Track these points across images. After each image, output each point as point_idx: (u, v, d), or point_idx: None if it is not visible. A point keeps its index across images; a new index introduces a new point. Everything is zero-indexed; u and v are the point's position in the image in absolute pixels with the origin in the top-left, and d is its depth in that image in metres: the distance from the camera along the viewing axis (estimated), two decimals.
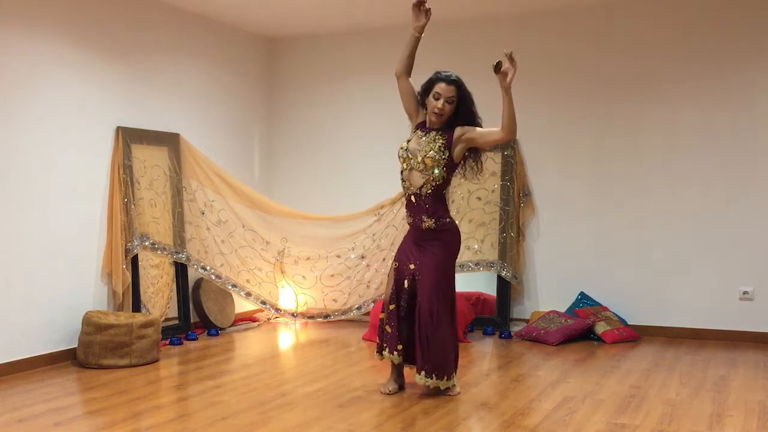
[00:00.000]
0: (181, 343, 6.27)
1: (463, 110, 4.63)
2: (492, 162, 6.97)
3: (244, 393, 4.73)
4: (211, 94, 7.20)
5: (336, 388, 4.85)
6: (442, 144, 4.58)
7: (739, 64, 6.38)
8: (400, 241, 4.89)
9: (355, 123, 7.60)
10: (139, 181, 6.15)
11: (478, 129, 4.62)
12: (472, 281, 7.19)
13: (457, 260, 6.87)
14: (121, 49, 6.15)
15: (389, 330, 4.69)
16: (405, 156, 4.63)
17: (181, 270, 6.65)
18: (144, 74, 6.40)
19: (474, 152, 4.73)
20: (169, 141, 6.53)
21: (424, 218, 4.62)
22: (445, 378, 4.59)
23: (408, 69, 4.69)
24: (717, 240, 6.46)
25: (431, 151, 4.56)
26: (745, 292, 6.36)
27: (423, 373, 4.57)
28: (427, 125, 4.68)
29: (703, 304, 6.49)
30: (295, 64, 7.95)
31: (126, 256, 5.95)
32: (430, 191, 4.59)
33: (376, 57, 7.56)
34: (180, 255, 6.51)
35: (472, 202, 7.01)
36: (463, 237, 6.85)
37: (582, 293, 6.77)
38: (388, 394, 4.69)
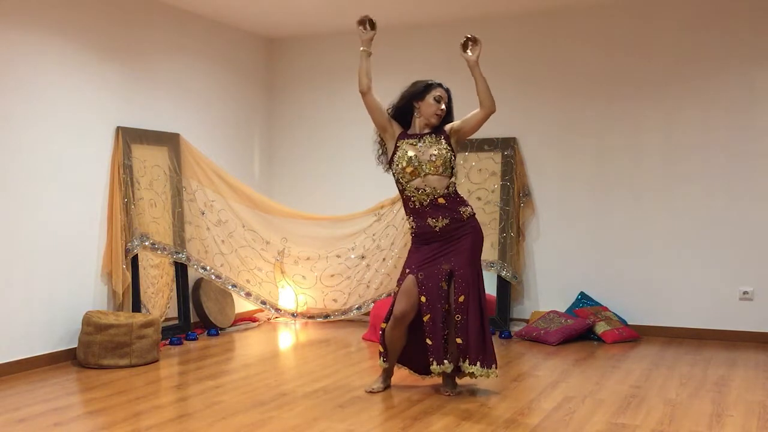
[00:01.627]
0: (181, 343, 6.26)
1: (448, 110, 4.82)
2: (492, 162, 6.99)
3: (244, 393, 4.72)
4: (211, 94, 7.20)
5: (336, 388, 4.85)
6: (446, 145, 4.65)
7: (740, 64, 6.38)
8: (409, 253, 4.76)
9: (355, 123, 7.59)
10: (139, 181, 6.15)
11: (461, 120, 4.75)
12: None
13: None
14: (121, 49, 6.16)
15: (431, 342, 4.56)
16: (416, 165, 4.61)
17: (181, 270, 6.65)
18: (144, 74, 6.40)
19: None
20: (169, 141, 6.53)
21: (461, 209, 4.65)
22: (495, 366, 4.62)
23: (371, 85, 4.73)
24: (717, 240, 6.46)
25: (443, 153, 4.62)
26: (745, 292, 6.36)
27: (478, 364, 4.54)
28: (417, 132, 4.70)
29: (703, 304, 6.49)
30: (295, 64, 7.95)
31: (126, 256, 5.95)
32: (454, 188, 4.68)
33: (376, 56, 7.49)
34: (180, 255, 6.50)
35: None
36: None
37: (582, 293, 6.77)
38: (374, 392, 4.70)
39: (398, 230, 6.94)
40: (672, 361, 5.62)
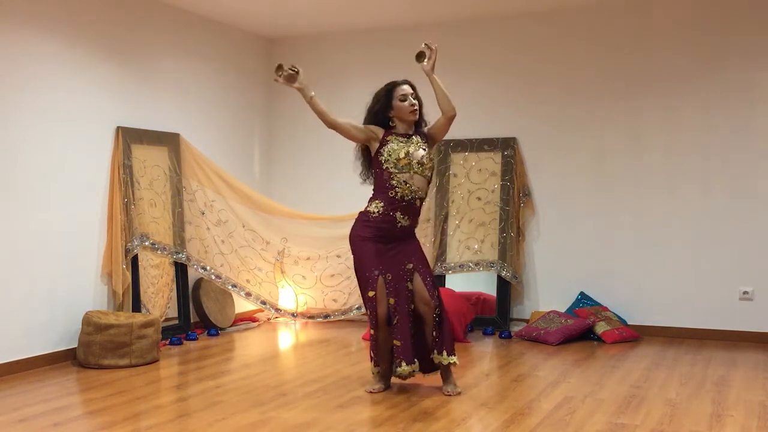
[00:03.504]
0: (181, 343, 6.26)
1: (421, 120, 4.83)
2: (492, 162, 6.99)
3: (244, 393, 4.72)
4: (211, 94, 7.19)
5: (336, 388, 4.84)
6: (429, 149, 4.76)
7: (740, 63, 6.37)
8: (364, 252, 4.70)
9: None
10: (139, 181, 6.14)
11: (432, 126, 4.81)
12: (472, 281, 7.19)
13: (458, 260, 6.95)
14: (121, 50, 6.15)
15: (400, 343, 4.61)
16: (409, 161, 4.64)
17: (181, 270, 6.64)
18: (144, 74, 6.39)
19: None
20: (169, 141, 6.53)
21: (419, 219, 4.87)
22: (453, 353, 4.74)
23: (333, 117, 4.71)
24: (717, 240, 6.45)
25: (431, 157, 4.75)
26: (745, 292, 6.36)
27: (445, 353, 4.67)
28: (401, 131, 4.73)
29: (704, 304, 6.48)
30: (296, 64, 7.89)
31: (126, 256, 5.94)
32: (418, 200, 4.75)
33: (376, 57, 7.55)
34: (180, 255, 6.50)
35: (472, 202, 7.02)
36: (462, 237, 7.01)
37: (582, 293, 6.76)
38: (374, 392, 4.71)
39: None
40: (672, 361, 5.61)
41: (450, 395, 4.65)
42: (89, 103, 5.86)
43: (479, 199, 6.98)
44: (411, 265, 4.68)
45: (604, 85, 6.78)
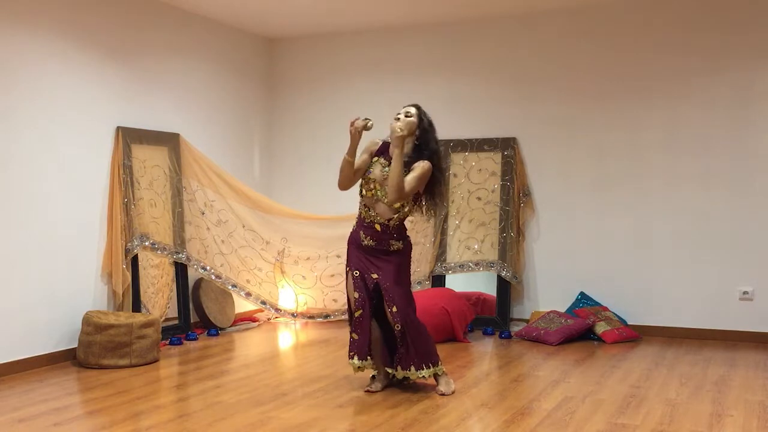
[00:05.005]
0: (181, 343, 6.26)
1: (423, 139, 4.65)
2: (492, 162, 6.99)
3: (243, 393, 4.72)
4: (211, 94, 7.19)
5: (336, 388, 4.85)
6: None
7: (740, 62, 6.37)
8: (347, 252, 4.82)
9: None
10: (139, 181, 6.14)
11: (413, 175, 4.56)
12: (472, 281, 7.20)
13: (458, 260, 6.95)
14: (121, 50, 6.15)
15: (357, 337, 4.70)
16: (373, 187, 4.63)
17: (181, 270, 6.64)
18: (144, 74, 6.39)
19: (429, 192, 4.75)
20: (169, 141, 6.52)
21: (392, 242, 4.69)
22: (437, 364, 4.68)
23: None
24: (717, 240, 6.45)
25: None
26: (745, 292, 6.35)
27: (413, 368, 4.63)
28: (390, 155, 4.62)
29: (703, 304, 6.48)
30: (296, 65, 7.93)
31: (126, 256, 5.94)
32: (397, 223, 4.69)
33: (377, 57, 7.55)
34: (180, 255, 6.49)
35: (472, 202, 7.02)
36: (463, 237, 7.00)
37: (582, 293, 6.76)
38: (373, 392, 4.72)
39: None
40: (672, 361, 5.61)
41: (444, 395, 4.64)
42: (89, 103, 5.85)
43: (479, 199, 6.98)
44: (375, 277, 4.65)
45: (605, 85, 6.78)
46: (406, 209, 4.66)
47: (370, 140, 4.79)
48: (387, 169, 4.61)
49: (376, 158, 4.70)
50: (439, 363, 4.71)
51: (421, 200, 4.75)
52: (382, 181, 4.60)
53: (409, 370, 4.64)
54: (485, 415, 4.26)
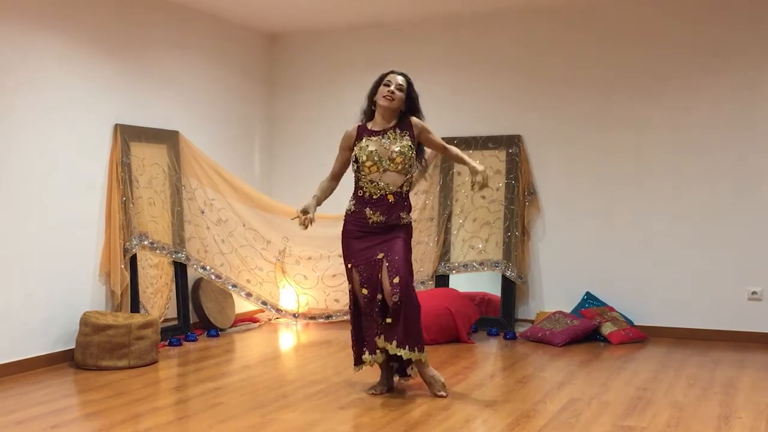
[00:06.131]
0: (180, 344, 6.24)
1: (410, 106, 4.72)
2: (496, 160, 6.96)
3: (244, 395, 4.70)
4: (211, 91, 7.17)
5: (338, 389, 4.83)
6: (409, 142, 4.65)
7: (750, 60, 6.34)
8: (343, 248, 4.80)
9: (357, 121, 7.54)
10: (138, 179, 6.12)
11: (428, 136, 4.74)
12: (477, 281, 7.18)
13: (462, 259, 6.93)
14: (119, 46, 6.12)
15: (364, 333, 4.71)
16: (375, 159, 4.62)
17: (180, 270, 6.62)
18: (143, 71, 6.36)
19: (419, 150, 4.80)
20: (169, 138, 6.50)
21: (402, 215, 4.69)
22: (422, 350, 4.61)
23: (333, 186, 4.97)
24: (726, 239, 6.42)
25: (404, 150, 4.62)
26: (753, 293, 6.32)
27: (395, 342, 4.55)
28: (378, 128, 4.69)
29: (711, 304, 6.45)
30: (297, 61, 7.91)
31: (124, 256, 5.93)
32: (408, 188, 4.71)
33: (380, 53, 7.50)
34: (179, 254, 6.48)
35: (476, 201, 6.99)
36: (467, 236, 7.00)
37: (588, 293, 6.74)
38: (376, 394, 4.69)
39: None
40: (679, 363, 5.59)
41: (444, 396, 4.60)
42: (87, 100, 5.83)
43: (483, 197, 6.96)
44: (381, 255, 4.62)
45: (611, 82, 6.75)
46: (413, 170, 4.73)
47: (344, 135, 4.82)
48: (385, 138, 4.64)
49: (362, 143, 4.68)
50: (424, 351, 4.62)
51: (420, 158, 4.81)
52: (384, 152, 4.61)
53: (390, 344, 4.57)
54: (489, 417, 4.24)
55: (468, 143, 7.05)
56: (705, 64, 6.46)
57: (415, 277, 7.01)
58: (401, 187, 4.66)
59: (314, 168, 7.78)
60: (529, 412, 4.29)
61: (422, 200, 7.09)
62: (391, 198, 4.64)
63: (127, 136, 6.07)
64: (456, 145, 7.00)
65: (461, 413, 4.31)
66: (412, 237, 4.82)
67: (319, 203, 4.88)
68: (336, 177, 4.91)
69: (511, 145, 6.93)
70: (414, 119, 4.70)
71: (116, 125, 6.03)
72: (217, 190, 6.86)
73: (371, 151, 4.61)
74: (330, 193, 4.92)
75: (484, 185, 4.58)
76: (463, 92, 7.21)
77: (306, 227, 4.78)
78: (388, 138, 4.64)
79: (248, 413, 4.29)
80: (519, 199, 6.85)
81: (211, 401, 4.55)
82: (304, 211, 4.79)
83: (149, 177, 6.24)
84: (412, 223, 4.84)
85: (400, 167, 4.62)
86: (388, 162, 4.60)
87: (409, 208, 4.75)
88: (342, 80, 7.68)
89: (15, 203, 5.29)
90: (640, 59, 6.65)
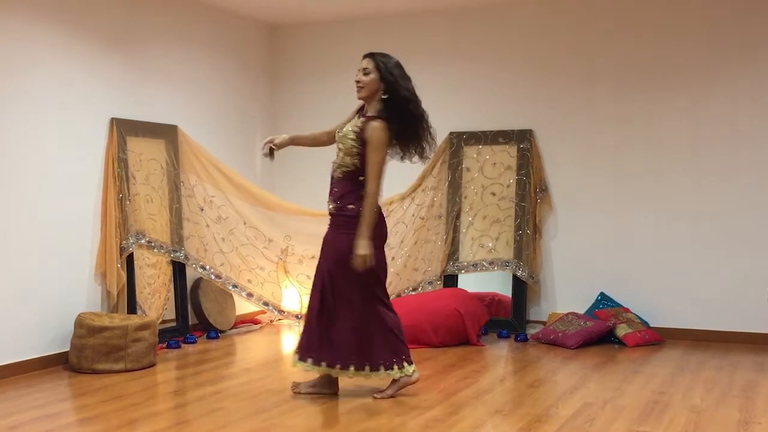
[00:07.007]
0: (178, 347, 6.21)
1: (388, 88, 4.54)
2: (507, 155, 6.94)
3: (245, 399, 4.67)
4: (210, 84, 7.15)
5: (342, 394, 4.77)
6: (356, 134, 4.53)
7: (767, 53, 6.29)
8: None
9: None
10: (135, 175, 6.10)
11: (371, 155, 4.48)
12: (487, 281, 7.16)
13: (471, 259, 6.88)
14: (115, 37, 6.10)
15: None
16: (339, 136, 4.66)
17: (179, 269, 6.59)
18: (140, 63, 6.34)
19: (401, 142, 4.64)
20: (167, 133, 6.48)
21: (348, 206, 4.56)
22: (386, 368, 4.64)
23: (323, 137, 4.94)
24: (744, 238, 6.35)
25: (349, 132, 4.56)
26: None
27: (352, 368, 4.57)
28: (364, 110, 4.65)
29: (730, 305, 6.38)
30: (299, 53, 7.91)
31: (121, 255, 5.90)
32: (340, 175, 4.58)
33: (385, 45, 7.33)
34: (178, 253, 6.45)
35: (486, 198, 6.97)
36: (476, 234, 6.96)
37: (602, 294, 6.69)
38: (379, 398, 4.62)
39: (408, 227, 6.97)
40: (697, 366, 5.54)
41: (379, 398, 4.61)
42: (82, 93, 5.79)
43: (494, 194, 6.92)
44: (326, 267, 4.64)
45: (626, 75, 6.69)
46: (347, 159, 4.56)
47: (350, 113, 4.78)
48: (350, 123, 4.62)
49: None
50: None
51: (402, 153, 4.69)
52: (343, 129, 4.64)
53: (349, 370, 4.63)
54: (500, 423, 4.20)
55: (477, 138, 7.04)
56: (723, 56, 6.39)
57: (422, 277, 7.07)
58: (347, 166, 4.56)
59: (318, 164, 7.68)
60: (540, 417, 4.24)
61: (430, 197, 7.06)
62: (338, 174, 4.63)
63: (123, 130, 6.05)
64: (465, 140, 6.97)
65: (470, 418, 4.26)
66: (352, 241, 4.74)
67: (293, 141, 4.96)
68: (331, 136, 4.81)
69: (522, 140, 6.89)
70: (373, 124, 4.48)
71: (112, 119, 6.01)
72: (217, 186, 6.83)
73: (337, 126, 4.71)
74: (310, 142, 4.98)
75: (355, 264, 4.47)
76: (471, 85, 7.20)
77: (267, 154, 4.93)
78: (353, 124, 4.60)
79: (249, 418, 4.25)
80: (530, 196, 6.81)
81: (210, 406, 4.52)
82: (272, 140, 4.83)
83: (146, 173, 6.22)
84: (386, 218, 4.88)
85: (347, 146, 4.55)
86: (342, 139, 4.60)
87: (354, 199, 4.57)
88: (346, 72, 7.54)
89: (8, 200, 5.26)
90: (655, 51, 6.60)
